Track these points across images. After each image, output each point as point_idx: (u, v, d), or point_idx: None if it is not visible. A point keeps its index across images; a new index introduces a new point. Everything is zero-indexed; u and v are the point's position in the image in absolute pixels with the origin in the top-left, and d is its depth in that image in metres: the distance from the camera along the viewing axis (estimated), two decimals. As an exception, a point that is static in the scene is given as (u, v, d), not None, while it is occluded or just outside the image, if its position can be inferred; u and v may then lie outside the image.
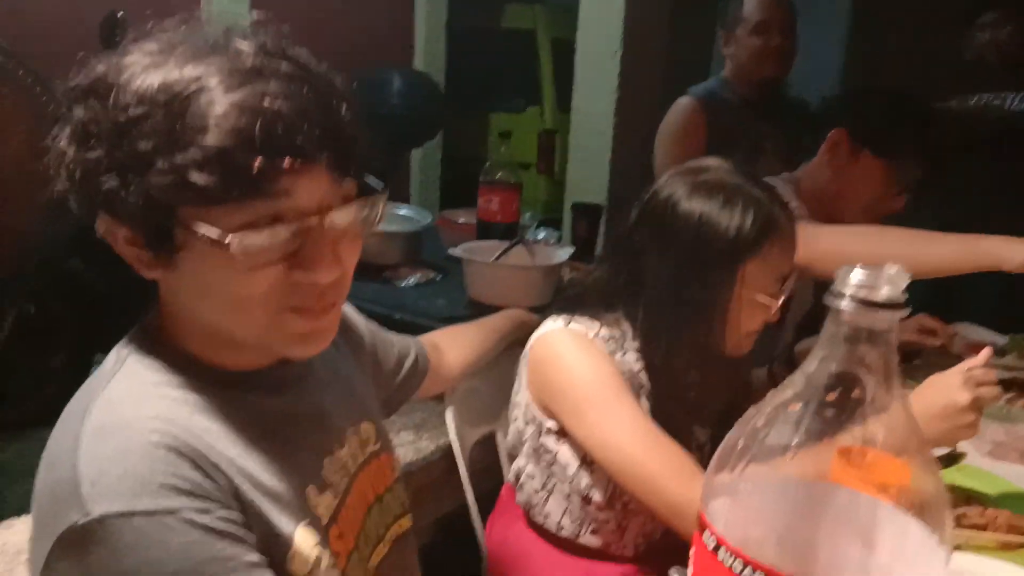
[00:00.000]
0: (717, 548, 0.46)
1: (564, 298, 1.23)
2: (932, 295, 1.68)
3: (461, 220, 2.21)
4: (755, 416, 0.50)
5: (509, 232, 1.96)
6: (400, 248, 1.96)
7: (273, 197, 0.61)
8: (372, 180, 0.70)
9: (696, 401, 1.15)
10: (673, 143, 2.12)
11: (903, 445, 0.48)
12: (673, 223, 1.07)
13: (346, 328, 0.96)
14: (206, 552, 0.60)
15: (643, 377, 1.12)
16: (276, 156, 0.59)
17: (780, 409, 0.49)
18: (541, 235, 2.16)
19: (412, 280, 1.89)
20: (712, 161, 1.12)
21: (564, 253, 1.82)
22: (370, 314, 1.06)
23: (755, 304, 1.08)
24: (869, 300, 0.44)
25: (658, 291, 1.09)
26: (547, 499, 1.21)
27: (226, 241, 0.60)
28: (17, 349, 2.38)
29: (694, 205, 1.06)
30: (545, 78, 4.39)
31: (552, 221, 2.53)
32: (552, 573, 1.22)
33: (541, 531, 1.24)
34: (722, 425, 0.58)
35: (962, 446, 1.24)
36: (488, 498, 1.36)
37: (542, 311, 1.22)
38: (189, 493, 0.62)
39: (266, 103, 0.60)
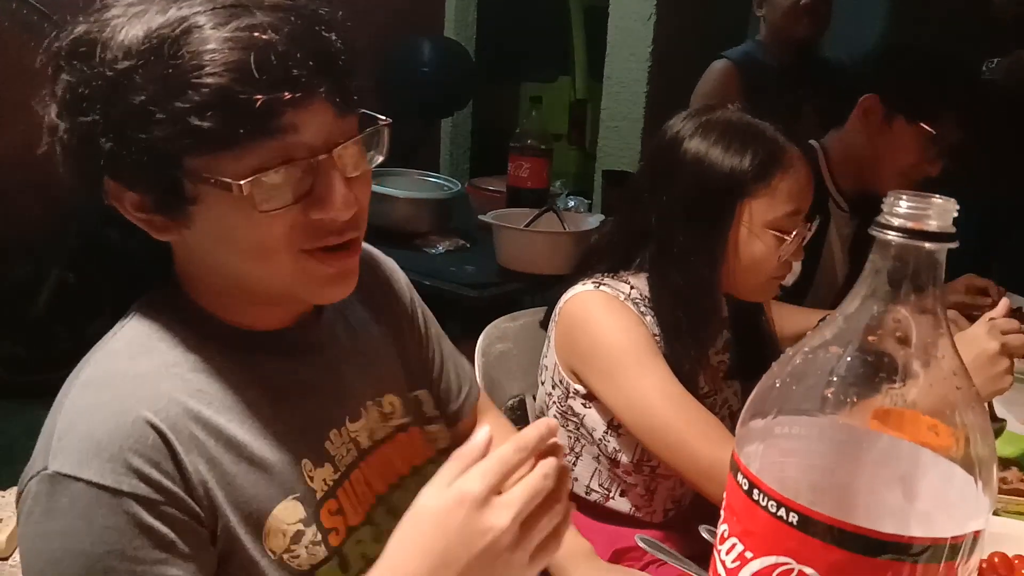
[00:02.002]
0: (751, 489, 0.45)
1: (583, 253, 1.22)
2: (971, 265, 1.63)
3: (491, 187, 2.20)
4: (792, 357, 0.48)
5: (539, 199, 1.95)
6: (430, 215, 1.96)
7: (279, 135, 0.59)
8: (374, 114, 0.68)
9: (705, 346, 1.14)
10: (708, 107, 2.09)
11: (952, 391, 0.46)
12: (676, 161, 1.08)
13: (397, 300, 0.91)
14: (121, 544, 0.58)
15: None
16: (274, 89, 0.57)
17: (818, 351, 0.47)
18: (571, 204, 2.15)
19: (442, 247, 1.89)
20: (724, 105, 1.12)
21: (594, 220, 1.80)
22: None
23: (767, 240, 1.06)
24: (918, 230, 0.41)
25: (664, 231, 1.09)
26: (576, 462, 1.20)
27: (240, 183, 0.58)
28: (55, 317, 2.44)
29: (696, 144, 1.07)
30: (577, 46, 4.32)
31: (582, 193, 2.50)
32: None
33: (570, 496, 1.23)
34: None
35: (1001, 413, 1.21)
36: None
37: (571, 278, 1.19)
38: (141, 476, 0.59)
39: (256, 34, 0.57)
